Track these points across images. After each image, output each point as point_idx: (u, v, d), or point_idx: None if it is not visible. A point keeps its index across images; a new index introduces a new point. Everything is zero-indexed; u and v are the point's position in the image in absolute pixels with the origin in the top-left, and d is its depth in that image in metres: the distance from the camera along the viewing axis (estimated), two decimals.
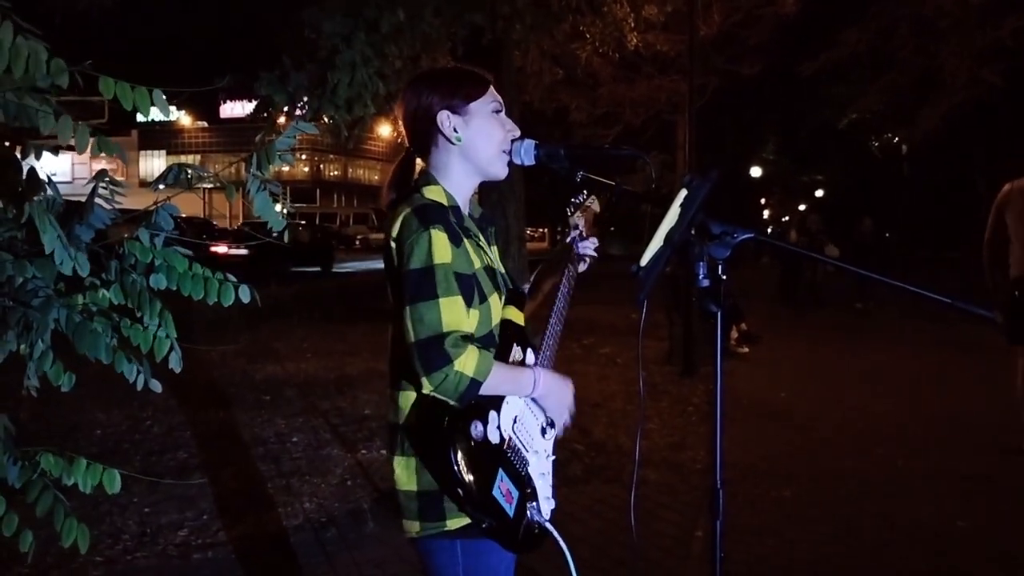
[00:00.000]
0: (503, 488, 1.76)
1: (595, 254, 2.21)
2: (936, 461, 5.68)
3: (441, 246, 1.74)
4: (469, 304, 1.78)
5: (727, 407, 7.32)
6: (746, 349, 10.11)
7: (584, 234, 2.21)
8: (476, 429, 1.73)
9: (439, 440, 1.70)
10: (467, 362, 1.68)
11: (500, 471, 1.76)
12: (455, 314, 1.71)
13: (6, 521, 1.53)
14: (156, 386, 1.70)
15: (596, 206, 2.27)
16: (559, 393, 1.94)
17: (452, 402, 1.71)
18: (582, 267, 2.20)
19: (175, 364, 1.71)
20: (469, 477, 1.69)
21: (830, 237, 15.99)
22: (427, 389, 1.70)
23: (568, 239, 2.20)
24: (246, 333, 10.77)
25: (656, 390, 7.78)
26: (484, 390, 1.72)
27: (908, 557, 4.09)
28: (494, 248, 2.06)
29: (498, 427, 1.79)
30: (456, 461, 1.68)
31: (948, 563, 4.03)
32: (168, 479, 5.08)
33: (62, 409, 6.54)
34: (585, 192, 2.23)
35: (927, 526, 4.48)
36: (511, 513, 1.77)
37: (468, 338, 1.73)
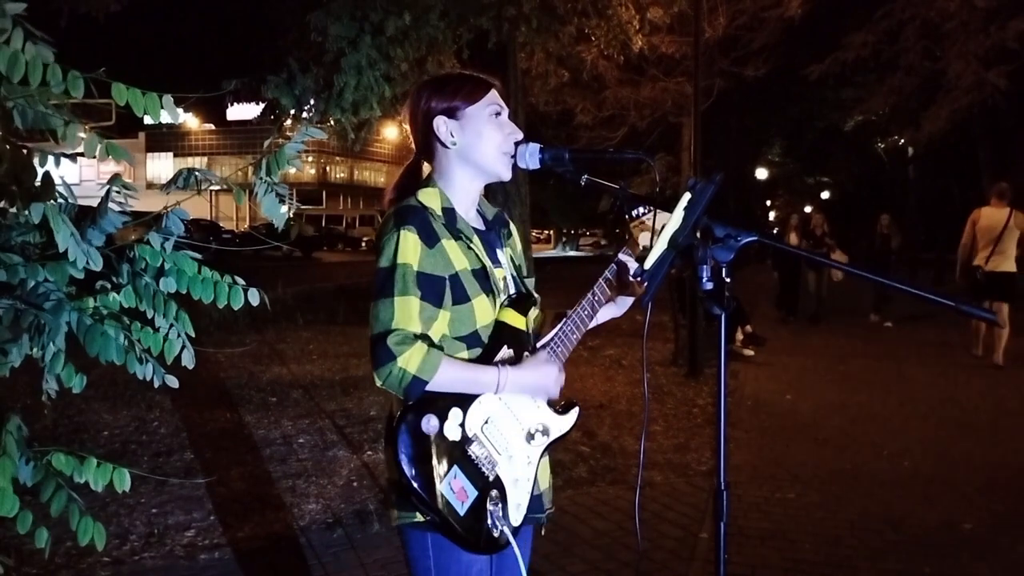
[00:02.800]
0: (455, 485, 1.76)
1: (629, 273, 2.07)
2: (942, 463, 5.68)
3: (408, 246, 1.78)
4: (439, 305, 1.81)
5: (732, 409, 7.36)
6: (751, 351, 10.10)
7: (640, 247, 2.08)
8: (428, 423, 1.74)
9: (388, 431, 1.77)
10: (411, 359, 1.71)
11: (455, 468, 1.76)
12: (406, 313, 1.76)
13: (20, 519, 1.55)
14: (173, 381, 1.72)
15: (659, 219, 2.05)
16: (534, 380, 1.89)
17: (400, 398, 1.76)
18: (640, 288, 2.06)
19: (188, 361, 1.74)
20: (412, 469, 1.72)
21: (838, 242, 14.29)
22: (377, 384, 1.76)
23: (620, 253, 2.10)
24: (252, 335, 10.80)
25: (661, 392, 7.79)
26: (435, 387, 1.74)
27: (913, 560, 4.09)
28: (508, 249, 2.06)
29: (461, 424, 1.79)
30: (400, 452, 1.72)
31: (952, 566, 4.03)
32: (175, 480, 5.11)
33: (69, 410, 6.58)
34: (644, 206, 2.07)
35: (932, 528, 4.49)
36: (461, 511, 1.77)
37: (421, 337, 1.76)
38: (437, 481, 1.74)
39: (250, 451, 5.87)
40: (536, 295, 2.08)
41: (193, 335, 1.73)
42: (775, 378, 8.83)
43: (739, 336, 10.30)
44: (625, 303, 2.15)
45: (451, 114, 1.92)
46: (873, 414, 7.18)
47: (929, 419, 6.97)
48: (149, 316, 1.67)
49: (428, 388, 1.73)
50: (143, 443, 6.01)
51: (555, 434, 1.97)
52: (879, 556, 4.14)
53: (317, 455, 5.73)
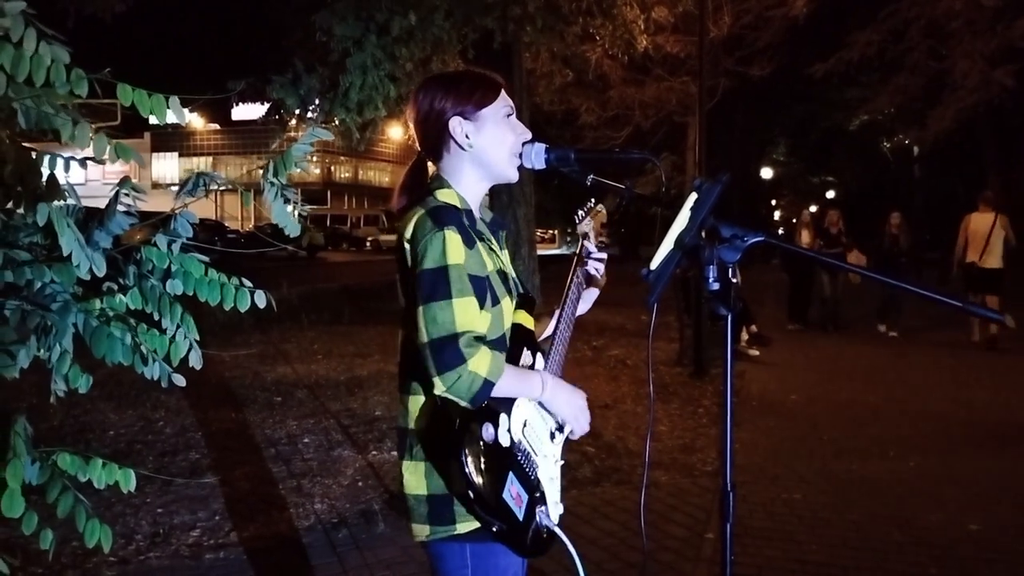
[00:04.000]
0: (513, 491, 1.75)
1: (598, 268, 2.19)
2: (948, 464, 5.66)
3: (455, 247, 1.74)
4: (482, 306, 1.78)
5: (738, 409, 7.35)
6: (757, 351, 10.09)
7: (593, 240, 2.20)
8: (487, 432, 1.72)
9: (451, 443, 1.69)
10: (480, 363, 1.68)
11: (510, 474, 1.76)
12: (469, 314, 1.72)
13: (25, 520, 1.55)
14: (180, 380, 1.71)
15: (603, 213, 2.26)
16: (569, 398, 1.93)
17: (464, 403, 1.70)
18: (602, 280, 2.20)
19: (195, 361, 1.73)
20: (480, 480, 1.69)
21: (855, 242, 12.79)
22: (439, 390, 1.69)
23: (578, 246, 2.20)
24: (257, 335, 10.82)
25: (666, 392, 7.78)
26: (496, 392, 1.72)
27: (919, 560, 4.08)
28: (505, 252, 2.06)
29: (508, 430, 1.78)
30: (467, 464, 1.67)
31: (959, 567, 4.02)
32: (180, 480, 5.12)
33: (75, 410, 6.59)
34: (593, 199, 2.21)
35: (938, 529, 4.48)
36: (520, 516, 1.77)
37: (481, 339, 1.73)
38: (500, 490, 1.73)
39: (255, 451, 5.87)
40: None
41: (199, 339, 1.73)
42: (780, 378, 8.82)
43: (744, 336, 10.29)
44: (593, 295, 2.21)
45: (467, 115, 1.90)
46: (879, 415, 7.17)
47: (935, 420, 6.96)
48: (156, 318, 1.67)
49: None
50: (148, 443, 6.02)
51: (567, 430, 1.99)
52: (885, 557, 4.13)
53: (322, 455, 5.73)
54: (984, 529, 4.47)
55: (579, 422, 1.95)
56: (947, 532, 4.44)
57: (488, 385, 1.69)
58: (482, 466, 1.70)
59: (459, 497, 1.73)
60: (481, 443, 1.71)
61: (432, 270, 1.73)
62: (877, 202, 27.71)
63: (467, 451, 1.69)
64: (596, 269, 2.19)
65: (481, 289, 1.79)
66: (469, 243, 1.78)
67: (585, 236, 2.20)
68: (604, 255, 2.20)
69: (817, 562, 4.07)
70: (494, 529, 1.73)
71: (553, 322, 2.05)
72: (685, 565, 4.01)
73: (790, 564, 4.05)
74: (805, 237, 12.64)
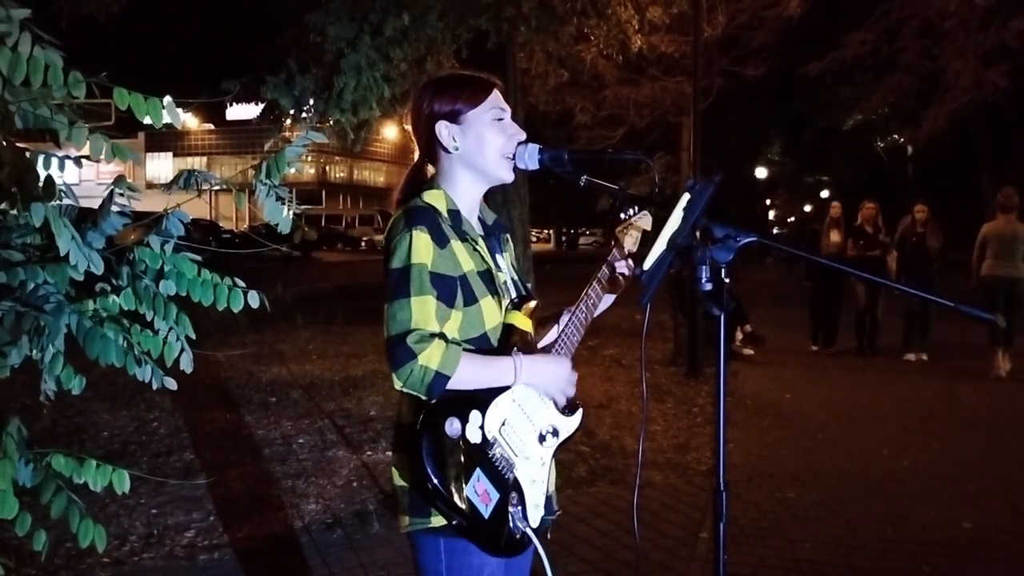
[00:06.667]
0: (479, 488, 1.76)
1: (625, 272, 2.12)
2: (941, 462, 5.68)
3: (421, 247, 1.78)
4: (451, 305, 1.81)
5: (732, 409, 7.36)
6: (751, 351, 10.10)
7: (629, 250, 2.14)
8: (451, 426, 1.74)
9: (410, 436, 1.74)
10: (432, 356, 1.70)
11: (478, 471, 1.76)
12: (424, 313, 1.75)
13: (19, 521, 1.55)
14: (171, 383, 1.72)
15: (646, 222, 2.18)
16: (550, 373, 1.91)
17: (423, 397, 1.73)
18: (622, 285, 2.13)
19: (186, 365, 1.73)
20: (438, 473, 1.70)
21: (894, 242, 10.12)
22: (397, 386, 1.74)
23: (609, 255, 2.13)
24: (252, 335, 10.80)
25: (661, 391, 7.79)
26: (457, 384, 1.73)
27: (912, 559, 4.10)
28: (507, 254, 2.07)
29: (481, 427, 1.78)
30: (424, 457, 1.70)
31: (952, 565, 4.04)
32: (174, 480, 5.11)
33: (69, 411, 6.58)
34: (636, 207, 2.16)
35: (932, 527, 4.49)
36: (486, 514, 1.77)
37: (437, 336, 1.75)
38: (463, 485, 1.73)
39: (250, 451, 5.87)
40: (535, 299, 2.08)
41: (194, 337, 1.73)
42: (775, 377, 8.84)
43: (738, 335, 10.29)
44: (608, 300, 2.18)
45: (453, 118, 1.92)
46: (872, 413, 7.19)
47: (928, 418, 6.98)
48: (149, 318, 1.67)
49: (449, 385, 1.72)
50: (142, 444, 6.01)
51: (563, 435, 1.98)
52: (879, 555, 4.15)
53: (316, 455, 5.73)
54: (977, 527, 4.49)
55: (568, 392, 1.95)
56: (940, 530, 4.45)
57: (441, 377, 1.70)
58: (442, 461, 1.71)
59: (418, 490, 1.75)
60: (443, 438, 1.73)
61: (397, 269, 1.78)
62: (872, 201, 27.68)
63: (425, 444, 1.71)
64: (621, 274, 2.13)
65: (448, 289, 1.81)
66: (441, 243, 1.81)
67: (617, 242, 2.14)
68: (624, 270, 2.13)
69: (811, 560, 4.08)
70: (453, 523, 1.75)
71: (563, 320, 2.05)
72: (679, 564, 4.02)
73: (784, 563, 4.06)
74: (835, 237, 10.57)
